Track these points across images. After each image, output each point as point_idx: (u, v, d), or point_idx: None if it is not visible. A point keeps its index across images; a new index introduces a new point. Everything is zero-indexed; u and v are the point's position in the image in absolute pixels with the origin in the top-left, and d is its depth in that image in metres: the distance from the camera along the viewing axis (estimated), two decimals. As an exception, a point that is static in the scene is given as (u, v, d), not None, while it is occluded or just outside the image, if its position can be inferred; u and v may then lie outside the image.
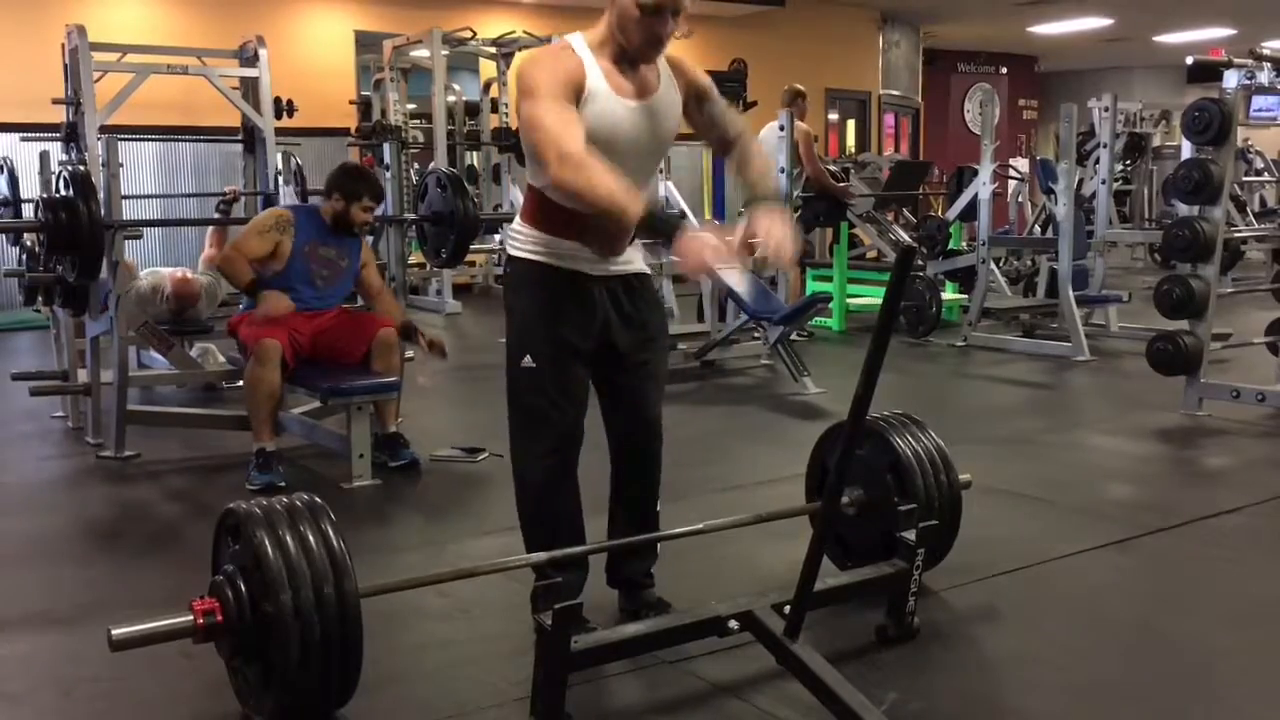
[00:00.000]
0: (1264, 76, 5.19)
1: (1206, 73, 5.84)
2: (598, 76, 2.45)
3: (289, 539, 2.14)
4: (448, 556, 3.34)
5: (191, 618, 2.15)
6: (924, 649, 2.68)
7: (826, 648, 2.46)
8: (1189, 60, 7.48)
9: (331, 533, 2.19)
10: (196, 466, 4.50)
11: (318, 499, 2.29)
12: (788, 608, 2.39)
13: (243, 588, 2.16)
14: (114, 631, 2.10)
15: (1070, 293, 6.96)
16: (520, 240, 2.61)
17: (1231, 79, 5.10)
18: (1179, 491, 4.24)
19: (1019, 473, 4.30)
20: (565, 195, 2.32)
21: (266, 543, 2.13)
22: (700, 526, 2.69)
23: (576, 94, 2.41)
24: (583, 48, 2.48)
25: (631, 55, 2.48)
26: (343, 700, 2.20)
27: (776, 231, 2.31)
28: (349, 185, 4.40)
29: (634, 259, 2.67)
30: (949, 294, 8.19)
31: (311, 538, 2.16)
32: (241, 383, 4.39)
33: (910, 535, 2.66)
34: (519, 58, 2.59)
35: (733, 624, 2.45)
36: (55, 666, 2.70)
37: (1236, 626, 2.88)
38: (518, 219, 2.66)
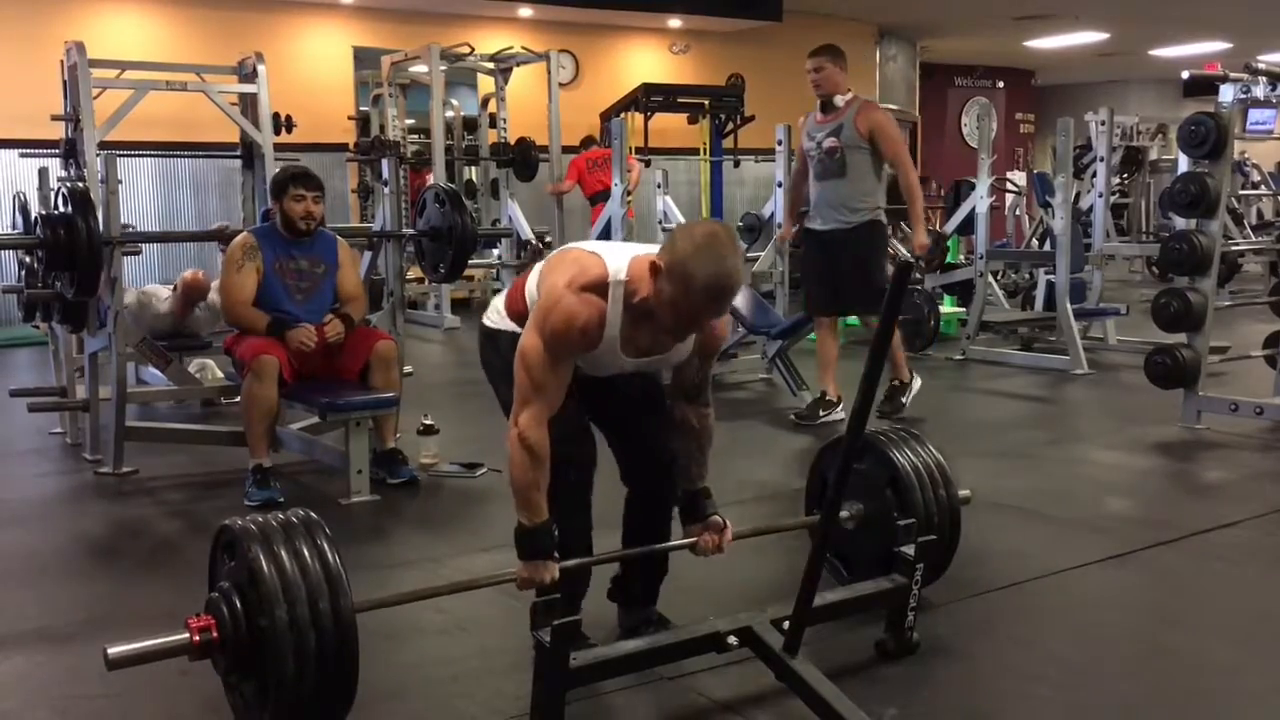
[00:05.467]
0: (1260, 90, 5.20)
1: (1202, 86, 5.87)
2: (614, 334, 2.42)
3: (284, 554, 2.13)
4: (446, 573, 3.33)
5: (187, 636, 2.14)
6: (924, 664, 2.68)
7: (826, 663, 2.46)
8: (1185, 74, 7.52)
9: (327, 548, 2.19)
10: (194, 482, 4.49)
11: (313, 514, 2.29)
12: (787, 623, 2.39)
13: (238, 604, 2.15)
14: (110, 651, 2.09)
15: (1068, 306, 6.97)
16: (504, 324, 2.65)
17: (1227, 93, 5.11)
18: (1178, 505, 4.23)
19: (1017, 487, 4.30)
20: (510, 459, 2.38)
21: (261, 558, 2.12)
22: (693, 540, 2.68)
23: (585, 351, 2.43)
24: (617, 293, 2.39)
25: (660, 328, 2.41)
26: (339, 715, 2.19)
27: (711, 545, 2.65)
28: (274, 188, 4.39)
29: None
30: (947, 307, 8.19)
31: (307, 553, 2.15)
32: (239, 398, 4.38)
33: (909, 550, 2.66)
34: (555, 263, 2.51)
35: (732, 640, 2.44)
36: (52, 684, 2.69)
37: (1237, 640, 2.88)
38: (504, 307, 2.67)
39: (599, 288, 2.39)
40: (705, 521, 2.64)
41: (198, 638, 2.14)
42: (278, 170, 4.63)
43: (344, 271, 4.48)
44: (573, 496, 2.60)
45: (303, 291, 4.36)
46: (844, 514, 2.86)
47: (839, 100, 5.27)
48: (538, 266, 2.60)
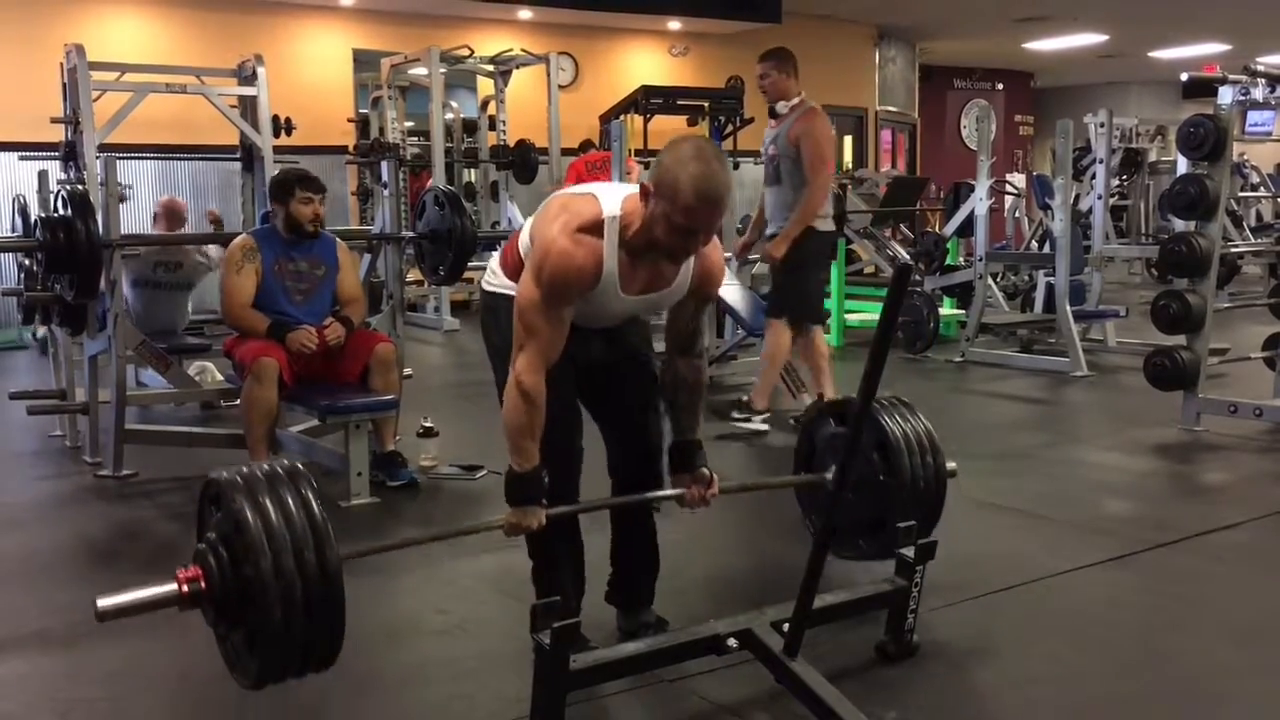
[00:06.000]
0: (1259, 92, 5.20)
1: (1202, 88, 5.85)
2: (612, 273, 2.42)
3: (269, 504, 2.13)
4: (445, 573, 3.33)
5: (176, 587, 2.14)
6: (924, 666, 2.68)
7: (826, 665, 2.46)
8: (1184, 76, 7.51)
9: (311, 497, 2.17)
10: (194, 485, 4.47)
11: (299, 464, 2.27)
12: (786, 625, 2.39)
13: (224, 554, 2.15)
14: (100, 602, 2.07)
15: (1068, 308, 6.97)
16: (502, 285, 2.64)
17: (1226, 95, 5.11)
18: (1177, 507, 4.23)
19: (1017, 488, 4.30)
20: (505, 403, 2.43)
21: (246, 508, 2.12)
22: (680, 492, 2.63)
23: (583, 294, 2.42)
24: (613, 231, 2.40)
25: (658, 252, 2.40)
26: (327, 662, 2.17)
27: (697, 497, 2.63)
28: (278, 190, 4.38)
29: None
30: (946, 309, 8.19)
31: (291, 502, 2.15)
32: (239, 401, 4.38)
33: (909, 552, 2.66)
34: (548, 210, 2.50)
35: (732, 642, 2.44)
36: (52, 687, 2.69)
37: (1236, 643, 2.88)
38: (499, 265, 2.68)
39: (594, 227, 2.40)
40: (694, 473, 2.63)
41: (186, 588, 2.14)
42: (278, 172, 4.63)
43: (344, 274, 4.48)
44: (565, 498, 2.60)
45: (302, 293, 4.36)
46: (828, 475, 2.84)
47: (782, 107, 5.21)
48: (528, 221, 2.60)
